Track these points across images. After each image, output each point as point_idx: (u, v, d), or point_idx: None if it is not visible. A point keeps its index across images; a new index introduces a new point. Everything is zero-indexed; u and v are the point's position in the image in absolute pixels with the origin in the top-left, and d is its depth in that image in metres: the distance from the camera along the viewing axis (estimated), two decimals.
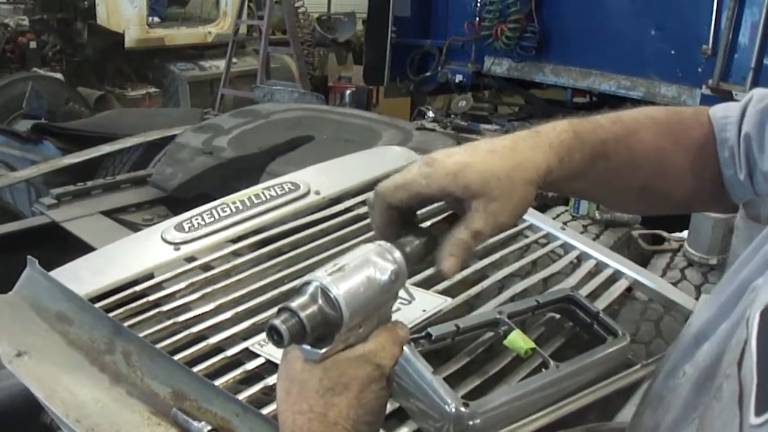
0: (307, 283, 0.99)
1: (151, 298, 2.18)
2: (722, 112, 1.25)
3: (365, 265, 1.01)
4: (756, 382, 0.75)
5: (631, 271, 2.59)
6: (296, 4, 11.95)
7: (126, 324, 1.97)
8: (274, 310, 2.04)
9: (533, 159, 1.11)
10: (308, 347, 1.00)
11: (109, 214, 3.56)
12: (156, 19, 11.34)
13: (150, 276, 2.31)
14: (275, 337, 0.96)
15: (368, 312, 1.02)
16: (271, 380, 1.83)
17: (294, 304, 0.96)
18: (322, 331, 0.98)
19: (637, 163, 1.22)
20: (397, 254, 1.05)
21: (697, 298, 2.61)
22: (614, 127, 1.22)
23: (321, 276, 0.99)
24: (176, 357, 1.88)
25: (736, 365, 0.81)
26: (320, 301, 0.97)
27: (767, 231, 1.00)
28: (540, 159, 1.11)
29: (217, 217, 2.57)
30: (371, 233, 2.57)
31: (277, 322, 0.95)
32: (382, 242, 1.06)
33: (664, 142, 1.23)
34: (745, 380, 0.77)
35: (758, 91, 1.22)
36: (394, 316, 1.10)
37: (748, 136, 1.19)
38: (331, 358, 1.00)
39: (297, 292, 0.99)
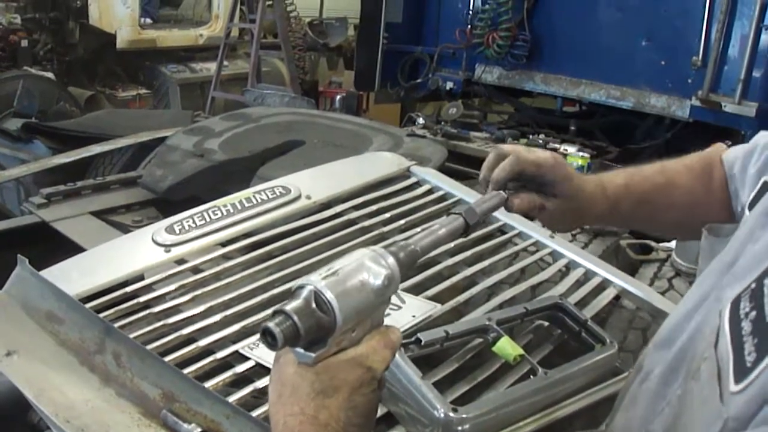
0: (301, 287, 1.00)
1: (142, 299, 2.19)
2: (733, 154, 1.52)
3: (359, 270, 1.03)
4: (732, 357, 0.88)
5: (619, 279, 2.60)
6: (288, 8, 11.95)
7: (116, 325, 1.97)
8: (265, 313, 2.07)
9: (595, 200, 1.52)
10: (301, 350, 1.01)
11: (98, 214, 3.55)
12: (148, 21, 11.30)
13: (140, 277, 2.31)
14: (269, 339, 0.96)
15: (361, 316, 1.02)
16: (260, 383, 1.83)
17: (288, 307, 0.97)
18: (316, 334, 0.98)
19: (673, 205, 1.54)
20: (391, 260, 1.06)
21: None
22: (657, 177, 1.57)
23: (315, 280, 0.99)
24: (166, 359, 1.88)
25: (713, 348, 0.93)
26: (314, 305, 0.98)
27: (727, 248, 1.16)
28: (599, 202, 1.52)
29: (207, 219, 2.57)
30: (362, 238, 2.60)
31: (271, 324, 0.95)
32: (376, 247, 1.07)
33: (696, 185, 1.54)
34: (722, 359, 0.90)
35: (757, 135, 1.47)
36: (385, 321, 1.11)
37: (734, 175, 1.47)
38: (323, 361, 1.01)
39: (291, 295, 1.00)
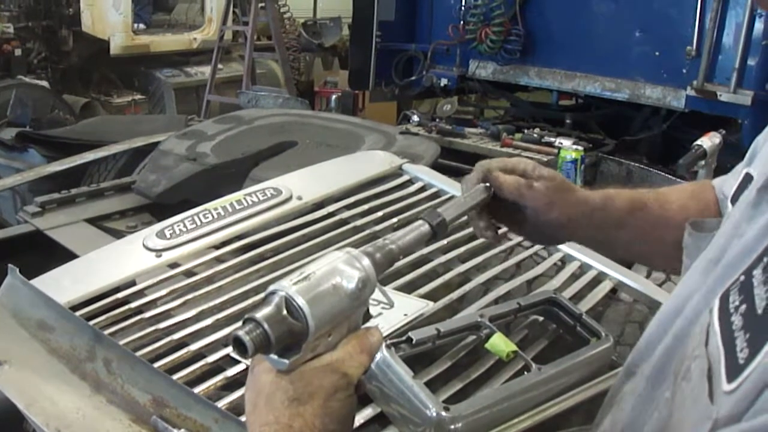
0: (273, 293, 0.98)
1: (133, 305, 2.18)
2: (721, 178, 1.50)
3: (332, 274, 1.01)
4: (723, 355, 0.84)
5: (615, 272, 2.59)
6: (281, 10, 11.94)
7: (107, 331, 1.97)
8: None
9: (581, 189, 1.48)
10: (275, 357, 0.99)
11: (93, 221, 3.55)
12: (141, 26, 11.27)
13: (132, 283, 2.31)
14: (239, 348, 0.95)
15: (336, 320, 1.01)
16: None
17: (258, 314, 0.95)
18: (288, 341, 0.97)
19: (668, 217, 1.48)
20: (366, 261, 1.04)
21: None
22: (649, 191, 1.54)
23: (286, 285, 0.97)
24: (157, 364, 1.88)
25: (704, 346, 0.89)
26: (285, 312, 0.96)
27: (712, 245, 1.14)
28: (587, 191, 1.48)
29: (198, 223, 2.57)
30: (354, 237, 2.59)
31: (241, 333, 0.94)
32: (351, 249, 1.06)
33: (689, 202, 1.51)
34: (713, 357, 0.86)
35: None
36: (376, 321, 1.10)
37: (724, 198, 1.43)
38: (298, 368, 1.00)
39: (262, 301, 0.98)
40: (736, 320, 0.85)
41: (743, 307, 0.85)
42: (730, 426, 0.78)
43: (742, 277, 0.90)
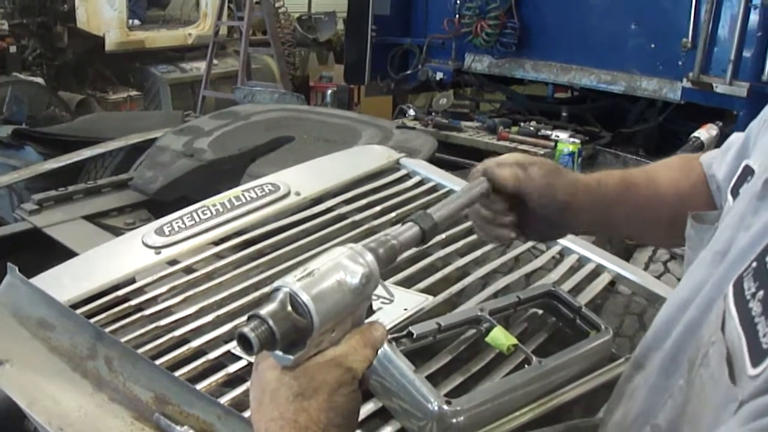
0: (277, 290, 0.98)
1: (133, 302, 2.19)
2: (710, 155, 1.51)
3: (335, 269, 1.00)
4: (744, 339, 0.86)
5: (613, 265, 2.59)
6: (276, 5, 11.90)
7: (108, 329, 1.98)
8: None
9: (572, 172, 1.49)
10: (279, 353, 0.99)
11: (90, 218, 3.55)
12: (136, 22, 11.23)
13: (131, 281, 2.31)
14: (245, 345, 0.95)
15: (340, 316, 1.00)
16: None
17: (263, 311, 0.95)
18: (293, 337, 0.97)
19: (659, 193, 1.50)
20: (369, 257, 1.04)
21: None
22: (637, 169, 1.58)
23: (290, 282, 0.97)
24: (159, 361, 1.88)
25: (720, 331, 0.91)
26: (290, 308, 0.96)
27: (717, 237, 1.14)
28: (579, 175, 1.49)
29: (197, 220, 2.57)
30: (353, 232, 2.59)
31: (246, 329, 0.94)
32: (354, 245, 1.05)
33: (679, 177, 1.52)
34: (731, 342, 0.88)
35: (731, 137, 1.47)
36: (376, 316, 1.10)
37: (713, 175, 1.46)
38: (302, 364, 1.00)
39: (267, 298, 0.98)
40: (755, 306, 0.86)
41: (761, 293, 0.86)
42: (756, 399, 0.79)
43: (755, 263, 0.91)
